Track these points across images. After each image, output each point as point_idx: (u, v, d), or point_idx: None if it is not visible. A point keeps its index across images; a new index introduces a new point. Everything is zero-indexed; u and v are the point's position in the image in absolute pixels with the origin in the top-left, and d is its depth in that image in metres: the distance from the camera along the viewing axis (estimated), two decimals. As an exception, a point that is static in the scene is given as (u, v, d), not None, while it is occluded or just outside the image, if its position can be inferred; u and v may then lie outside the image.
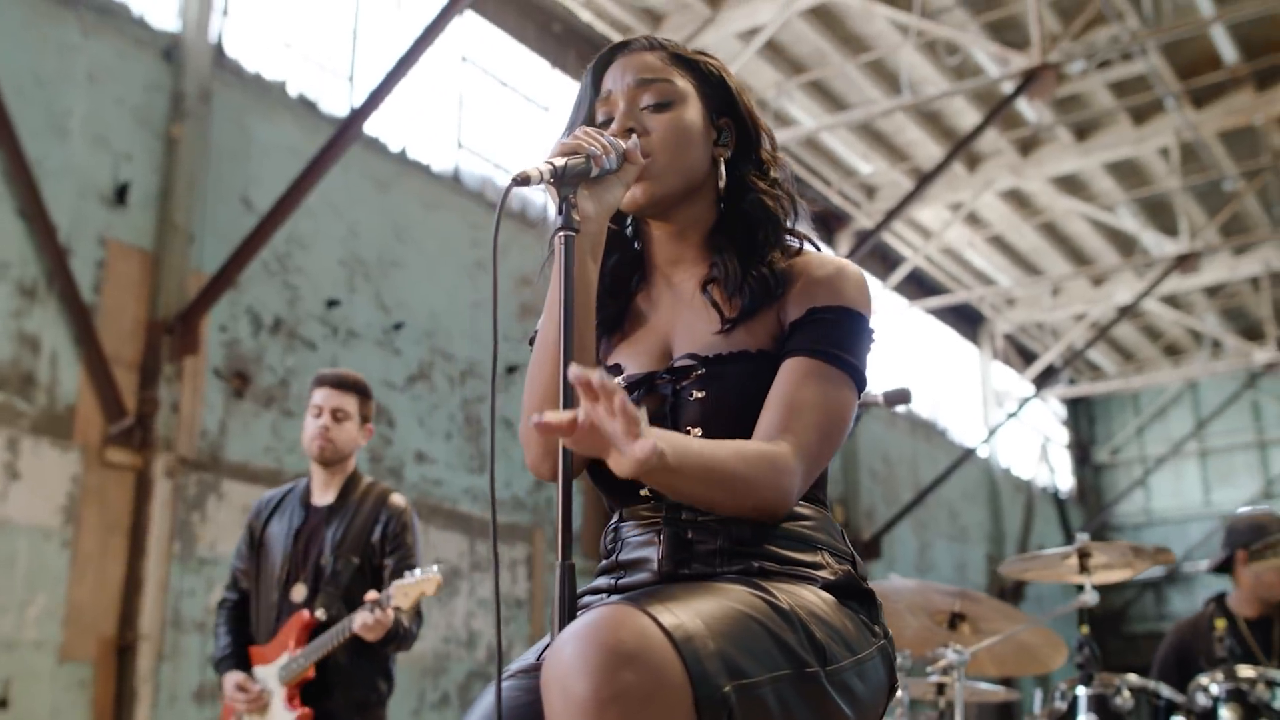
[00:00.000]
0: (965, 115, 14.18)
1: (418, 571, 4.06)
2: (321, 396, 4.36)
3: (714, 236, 2.01)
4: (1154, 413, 23.33)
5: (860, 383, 1.87)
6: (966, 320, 19.44)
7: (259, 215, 8.83)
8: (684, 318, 1.97)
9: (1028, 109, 14.08)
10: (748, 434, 1.81)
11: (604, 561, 1.93)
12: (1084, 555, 3.60)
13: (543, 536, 11.32)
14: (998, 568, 4.08)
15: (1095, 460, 23.70)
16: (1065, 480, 22.83)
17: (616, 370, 1.95)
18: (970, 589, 3.92)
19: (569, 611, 1.55)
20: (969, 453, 16.71)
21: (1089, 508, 23.02)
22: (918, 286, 17.59)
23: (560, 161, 1.73)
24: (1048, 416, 22.67)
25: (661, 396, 1.89)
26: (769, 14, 11.90)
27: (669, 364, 1.93)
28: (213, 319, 8.76)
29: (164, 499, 8.29)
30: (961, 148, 12.10)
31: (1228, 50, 13.20)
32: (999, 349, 19.99)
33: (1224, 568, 5.01)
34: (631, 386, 1.90)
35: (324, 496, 4.42)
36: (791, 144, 13.87)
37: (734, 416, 1.84)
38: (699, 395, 1.86)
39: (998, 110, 11.88)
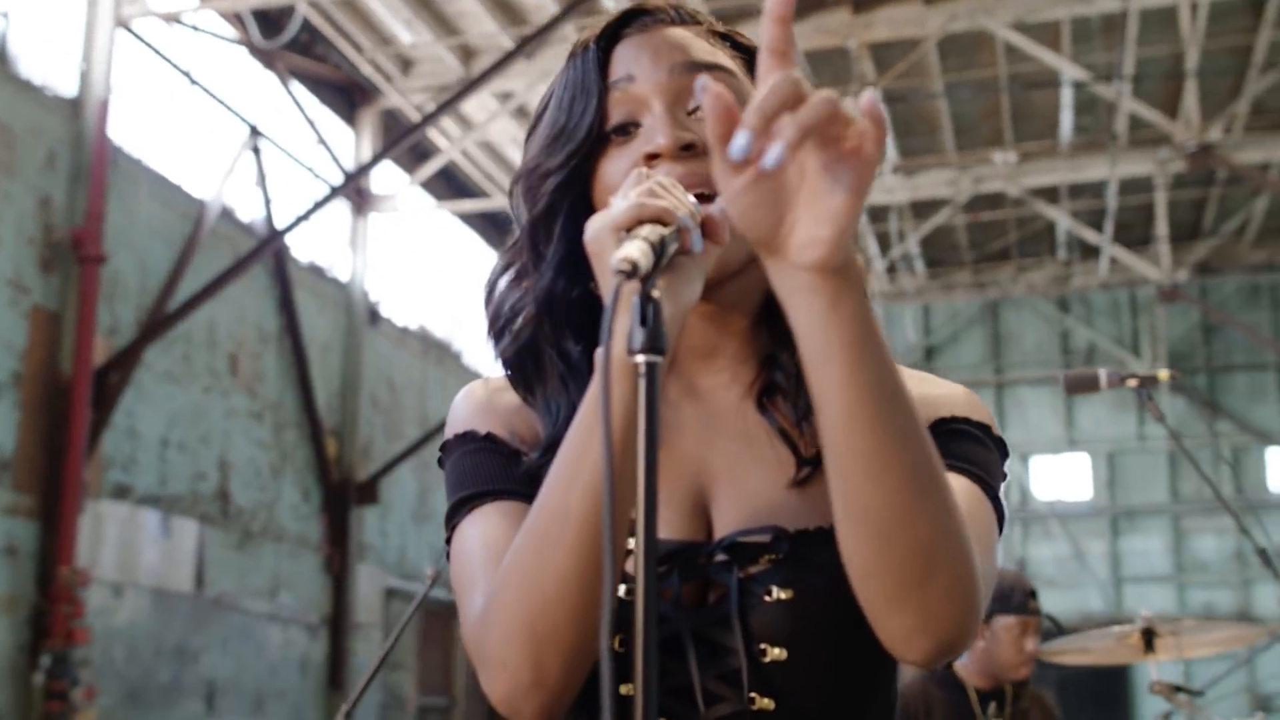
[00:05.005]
0: (533, -9, 13.92)
1: None
2: None
3: (767, 319, 1.54)
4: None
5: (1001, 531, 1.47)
6: (495, 228, 19.29)
7: None
8: (728, 450, 1.50)
9: (607, -5, 13.97)
10: (848, 666, 1.40)
11: None
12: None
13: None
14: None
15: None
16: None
17: None
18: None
19: None
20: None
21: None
22: (447, 184, 17.27)
23: (657, 235, 1.22)
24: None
25: (718, 588, 1.42)
26: None
27: (716, 532, 1.46)
28: None
29: None
30: (535, 39, 11.85)
31: (830, -40, 13.57)
32: (528, 265, 19.98)
33: None
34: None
35: None
36: (322, -4, 13.19)
37: (836, 635, 1.39)
38: (783, 596, 1.39)
39: (582, -4, 11.69)
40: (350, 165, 14.95)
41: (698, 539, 1.46)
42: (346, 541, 14.54)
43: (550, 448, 1.48)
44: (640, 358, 1.15)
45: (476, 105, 15.65)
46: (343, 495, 14.58)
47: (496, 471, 1.52)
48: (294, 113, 14.30)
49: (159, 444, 12.15)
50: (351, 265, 15.38)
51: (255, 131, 13.57)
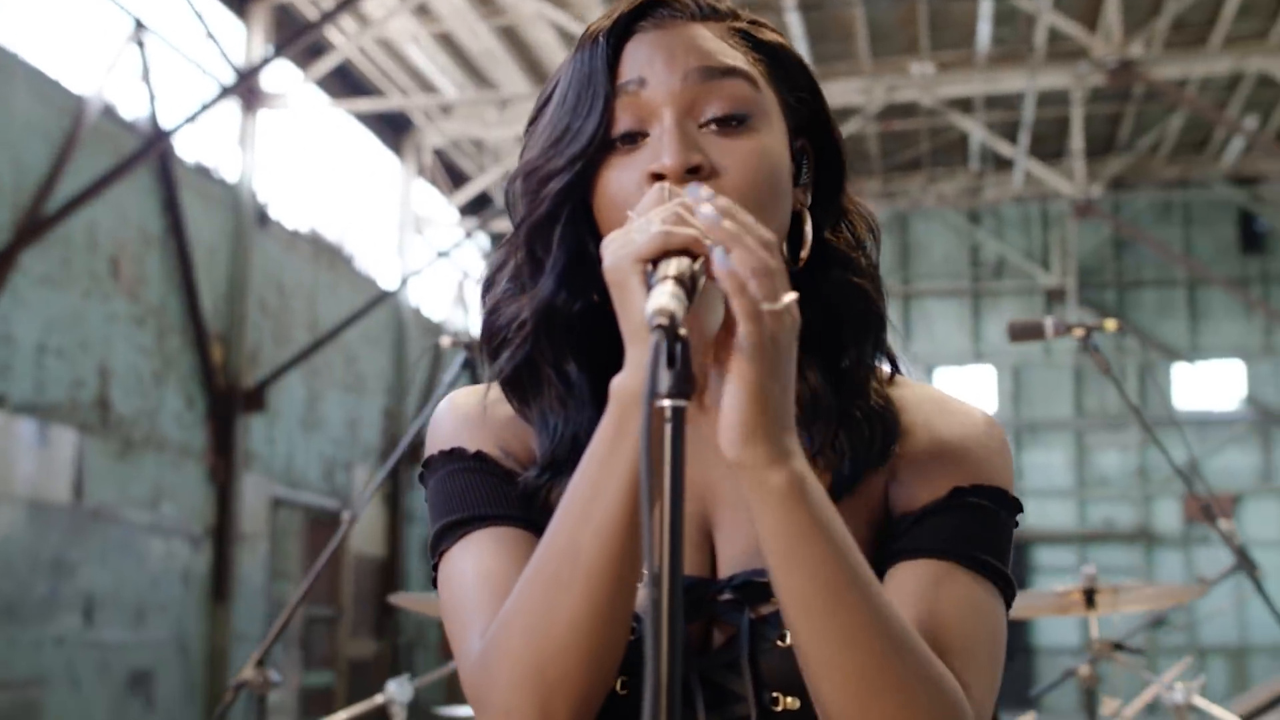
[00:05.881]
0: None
1: None
2: None
3: None
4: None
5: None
6: (392, 128, 19.05)
7: None
8: (733, 483, 1.41)
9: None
10: None
11: None
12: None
13: None
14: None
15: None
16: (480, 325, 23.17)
17: None
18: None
19: None
20: (384, 296, 16.49)
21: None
22: (342, 82, 16.99)
23: (686, 271, 1.16)
24: (469, 250, 22.75)
25: (725, 628, 1.37)
26: None
27: (721, 566, 1.41)
28: None
29: None
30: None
31: None
32: (425, 166, 19.77)
33: None
34: None
35: None
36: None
37: None
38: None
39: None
40: (240, 62, 14.63)
41: (703, 574, 1.42)
42: (232, 450, 14.39)
43: (548, 467, 1.45)
44: (667, 402, 1.08)
45: (375, 1, 15.37)
46: (228, 403, 14.39)
47: (488, 494, 1.46)
48: (181, 5, 13.92)
49: (35, 350, 11.92)
50: (240, 165, 15.06)
51: (140, 24, 13.20)
